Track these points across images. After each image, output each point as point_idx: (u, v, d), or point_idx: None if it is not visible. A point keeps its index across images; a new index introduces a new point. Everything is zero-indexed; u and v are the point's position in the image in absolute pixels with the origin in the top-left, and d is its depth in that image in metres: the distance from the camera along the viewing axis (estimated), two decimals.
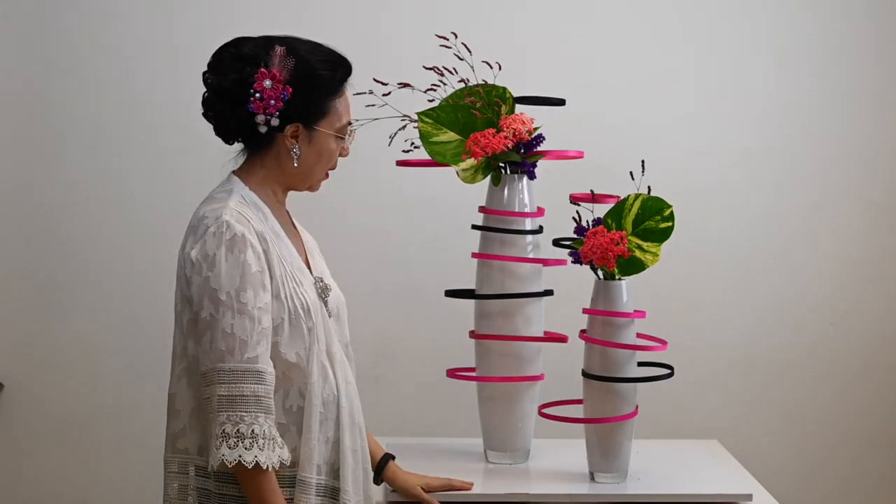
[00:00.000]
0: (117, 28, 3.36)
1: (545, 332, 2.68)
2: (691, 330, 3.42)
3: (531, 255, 2.64)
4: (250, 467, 2.00)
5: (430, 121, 2.59)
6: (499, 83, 2.65)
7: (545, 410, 2.66)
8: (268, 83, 2.09)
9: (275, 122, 2.10)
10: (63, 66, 3.35)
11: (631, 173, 2.57)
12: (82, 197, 3.39)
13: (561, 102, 2.73)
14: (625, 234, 2.47)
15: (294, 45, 2.12)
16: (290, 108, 2.11)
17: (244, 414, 2.01)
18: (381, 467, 2.39)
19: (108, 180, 3.38)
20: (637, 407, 2.55)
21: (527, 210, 2.64)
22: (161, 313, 3.25)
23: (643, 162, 2.57)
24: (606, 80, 3.42)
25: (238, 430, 2.00)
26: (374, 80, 2.65)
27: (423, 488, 2.40)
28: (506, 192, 2.64)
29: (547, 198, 2.73)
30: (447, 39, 2.66)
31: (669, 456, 2.76)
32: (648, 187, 2.55)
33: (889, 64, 3.47)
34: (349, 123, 2.20)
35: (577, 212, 2.58)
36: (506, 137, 2.56)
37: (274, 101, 2.09)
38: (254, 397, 2.02)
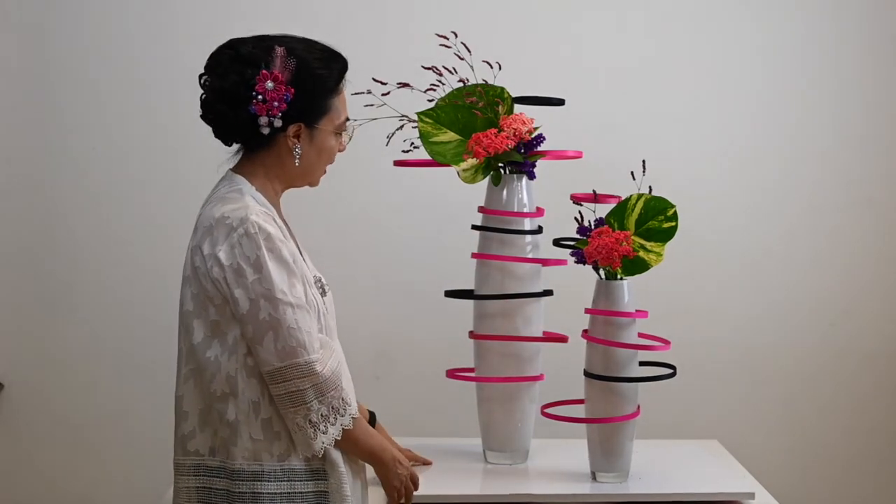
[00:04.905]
0: (119, 27, 3.36)
1: (545, 332, 2.68)
2: (691, 330, 3.42)
3: (530, 256, 2.64)
4: (352, 426, 2.11)
5: (430, 121, 2.58)
6: (498, 83, 2.64)
7: (548, 410, 2.66)
8: (270, 85, 2.09)
9: (277, 123, 2.11)
10: (64, 66, 3.35)
11: (632, 173, 2.57)
12: (83, 197, 3.39)
13: (560, 102, 2.72)
14: (629, 233, 2.47)
15: (292, 45, 2.12)
16: (292, 109, 2.11)
17: (334, 391, 2.09)
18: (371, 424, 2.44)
19: (109, 180, 3.38)
20: (639, 407, 2.55)
21: (525, 210, 2.64)
22: (162, 312, 3.25)
23: (644, 162, 2.57)
24: (605, 80, 3.41)
25: (332, 406, 2.09)
26: (374, 79, 2.64)
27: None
28: (504, 192, 2.63)
29: (546, 198, 2.73)
30: (448, 39, 2.65)
31: (670, 456, 2.76)
32: (650, 187, 2.55)
33: (888, 63, 3.46)
34: (347, 119, 2.21)
35: (580, 212, 2.58)
36: (507, 137, 2.55)
37: (277, 103, 2.09)
38: (334, 375, 2.09)
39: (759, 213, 3.47)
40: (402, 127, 2.67)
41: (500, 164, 2.63)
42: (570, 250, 2.60)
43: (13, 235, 3.39)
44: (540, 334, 2.66)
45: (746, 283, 3.49)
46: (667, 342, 2.56)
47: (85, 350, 3.41)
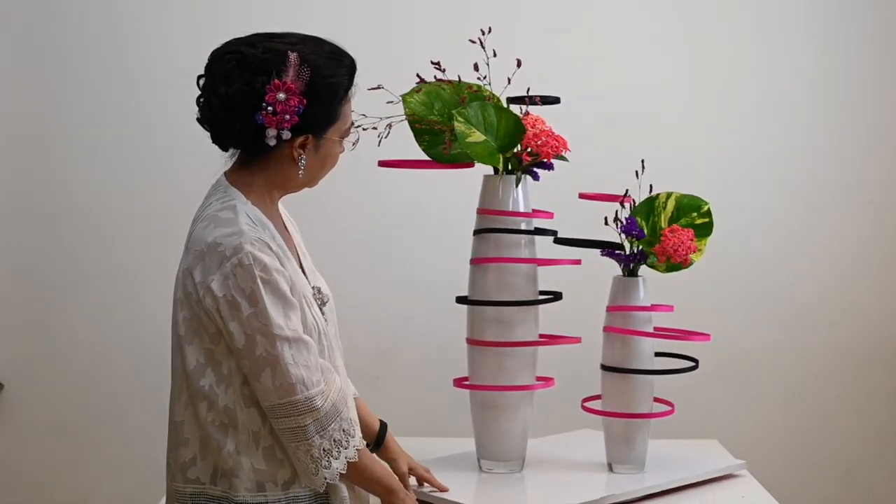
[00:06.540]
0: (117, 28, 3.36)
1: (545, 335, 2.65)
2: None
3: (528, 258, 2.59)
4: (356, 459, 2.05)
5: (462, 120, 2.51)
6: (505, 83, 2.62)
7: (587, 405, 2.66)
8: (281, 96, 1.96)
9: (286, 135, 1.99)
10: (63, 66, 3.36)
11: (637, 172, 2.57)
12: (83, 197, 3.39)
13: (556, 101, 2.70)
14: (693, 232, 2.50)
15: (303, 50, 2.00)
16: (302, 121, 1.99)
17: (335, 424, 2.02)
18: (381, 437, 2.38)
19: (109, 181, 3.39)
20: (673, 405, 2.61)
21: (521, 210, 2.58)
22: (161, 314, 3.26)
23: (643, 161, 2.57)
24: (602, 79, 3.42)
25: (334, 440, 2.02)
26: (417, 76, 2.57)
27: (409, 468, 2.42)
28: (500, 193, 2.57)
29: (536, 197, 2.70)
30: (483, 33, 2.59)
31: (674, 452, 2.76)
32: (650, 186, 2.55)
33: (888, 63, 3.47)
34: (352, 124, 2.12)
35: (617, 211, 2.55)
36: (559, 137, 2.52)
37: (289, 116, 1.97)
38: (334, 408, 2.03)
39: (758, 213, 3.48)
40: (390, 126, 2.61)
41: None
42: (597, 249, 2.58)
43: (13, 236, 3.39)
44: (536, 338, 2.61)
45: (746, 283, 3.49)
46: (706, 335, 2.57)
47: (85, 350, 3.41)
